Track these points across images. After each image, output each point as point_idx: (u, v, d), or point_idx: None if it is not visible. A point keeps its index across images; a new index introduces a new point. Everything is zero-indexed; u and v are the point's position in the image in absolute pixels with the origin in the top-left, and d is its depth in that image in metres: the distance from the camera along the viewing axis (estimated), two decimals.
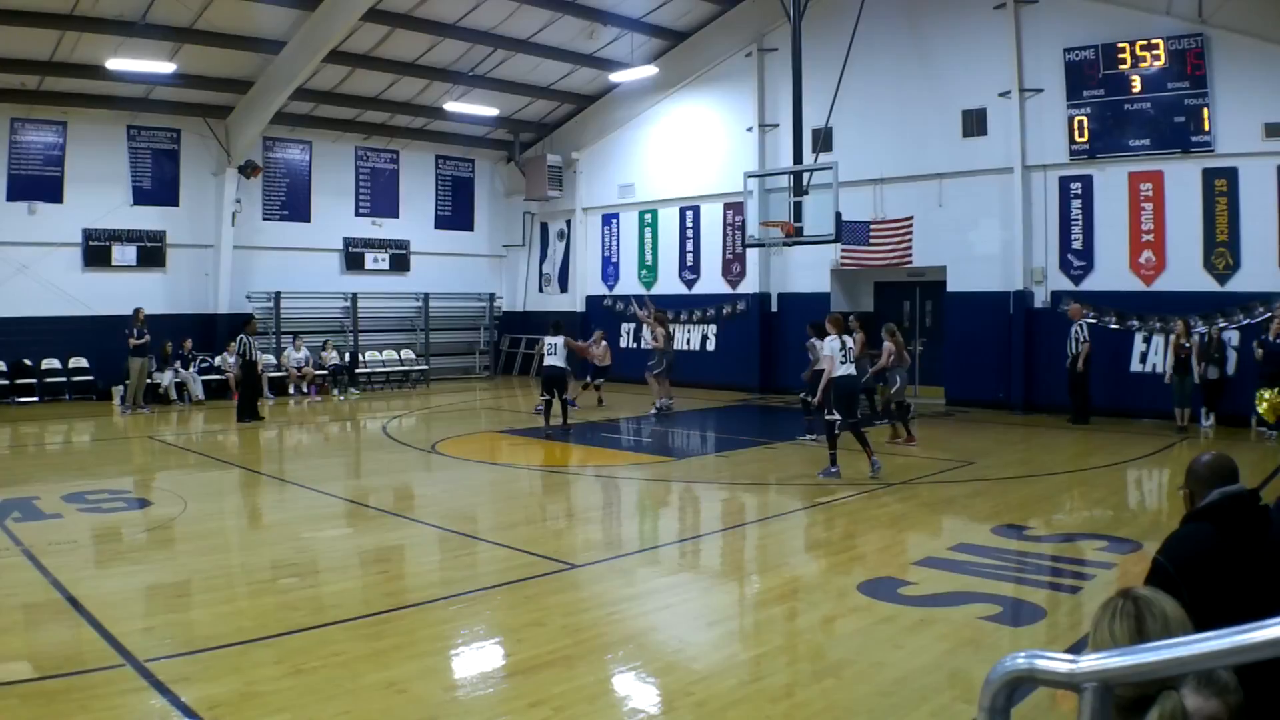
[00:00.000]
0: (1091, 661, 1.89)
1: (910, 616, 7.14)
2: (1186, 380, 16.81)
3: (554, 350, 17.20)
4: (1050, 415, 18.61)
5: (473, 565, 9.04)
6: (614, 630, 7.02)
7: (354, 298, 26.97)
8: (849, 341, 13.13)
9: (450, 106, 25.53)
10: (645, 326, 22.24)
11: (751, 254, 23.97)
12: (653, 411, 19.99)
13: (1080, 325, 18.10)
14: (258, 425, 18.93)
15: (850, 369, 13.07)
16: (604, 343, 21.80)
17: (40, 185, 22.11)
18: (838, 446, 13.03)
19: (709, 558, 9.72)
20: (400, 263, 28.37)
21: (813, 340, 16.47)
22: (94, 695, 5.54)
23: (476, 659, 6.59)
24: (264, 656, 6.26)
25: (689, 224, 26.20)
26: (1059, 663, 1.92)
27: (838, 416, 12.87)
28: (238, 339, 19.77)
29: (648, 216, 27.20)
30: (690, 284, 26.19)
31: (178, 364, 22.35)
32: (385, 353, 27.21)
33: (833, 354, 12.95)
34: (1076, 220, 19.27)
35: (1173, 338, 17.16)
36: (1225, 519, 3.59)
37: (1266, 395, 15.09)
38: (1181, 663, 1.84)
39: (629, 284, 27.34)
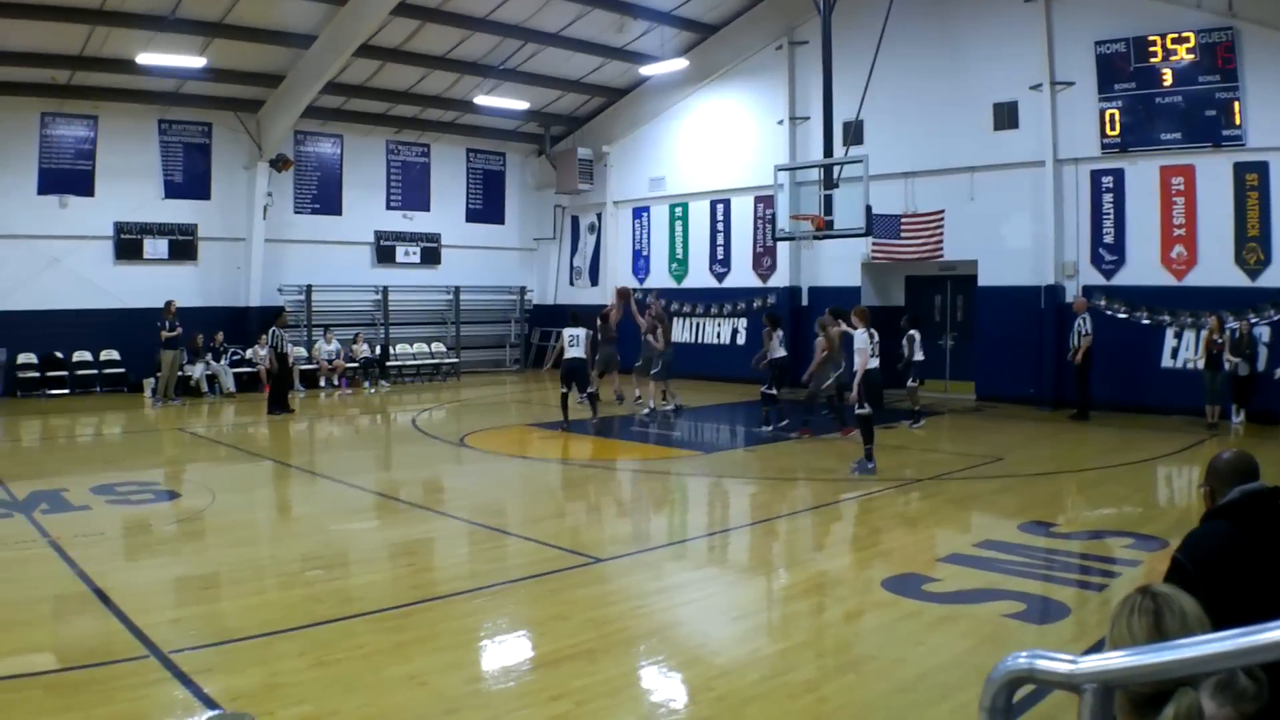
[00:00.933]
0: (1091, 663, 1.87)
1: (934, 613, 7.10)
2: (1218, 376, 16.61)
3: (575, 342, 16.92)
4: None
5: (498, 559, 9.06)
6: (638, 624, 7.02)
7: (385, 291, 27.13)
8: (876, 335, 13.10)
9: (481, 100, 25.62)
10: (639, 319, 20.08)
11: (782, 247, 23.90)
12: (645, 412, 19.09)
13: (1083, 318, 17.97)
14: (288, 418, 19.03)
15: (877, 361, 13.06)
16: (613, 301, 20.85)
17: (71, 179, 22.32)
18: (873, 441, 13.00)
19: (735, 552, 9.73)
20: (431, 256, 28.49)
21: (769, 331, 16.43)
22: (117, 686, 5.60)
23: (499, 652, 6.62)
24: (288, 648, 6.31)
25: (719, 217, 26.16)
26: (1059, 663, 1.91)
27: (869, 410, 12.83)
28: (269, 331, 19.88)
29: (678, 210, 27.17)
30: (721, 277, 26.16)
31: (209, 356, 22.51)
32: (416, 345, 27.31)
33: (864, 347, 12.88)
34: (1108, 214, 19.10)
35: (1205, 332, 16.97)
36: (1245, 517, 3.56)
37: None
38: (1184, 664, 1.82)
39: (660, 277, 27.36)
